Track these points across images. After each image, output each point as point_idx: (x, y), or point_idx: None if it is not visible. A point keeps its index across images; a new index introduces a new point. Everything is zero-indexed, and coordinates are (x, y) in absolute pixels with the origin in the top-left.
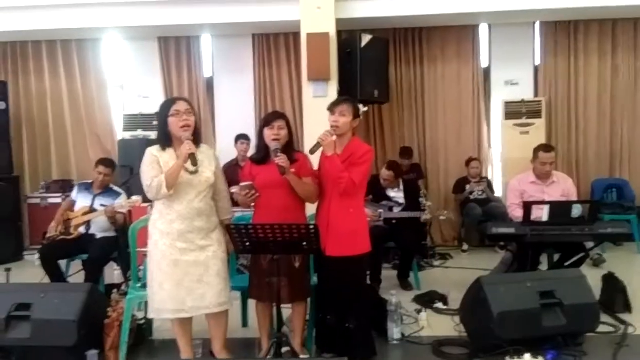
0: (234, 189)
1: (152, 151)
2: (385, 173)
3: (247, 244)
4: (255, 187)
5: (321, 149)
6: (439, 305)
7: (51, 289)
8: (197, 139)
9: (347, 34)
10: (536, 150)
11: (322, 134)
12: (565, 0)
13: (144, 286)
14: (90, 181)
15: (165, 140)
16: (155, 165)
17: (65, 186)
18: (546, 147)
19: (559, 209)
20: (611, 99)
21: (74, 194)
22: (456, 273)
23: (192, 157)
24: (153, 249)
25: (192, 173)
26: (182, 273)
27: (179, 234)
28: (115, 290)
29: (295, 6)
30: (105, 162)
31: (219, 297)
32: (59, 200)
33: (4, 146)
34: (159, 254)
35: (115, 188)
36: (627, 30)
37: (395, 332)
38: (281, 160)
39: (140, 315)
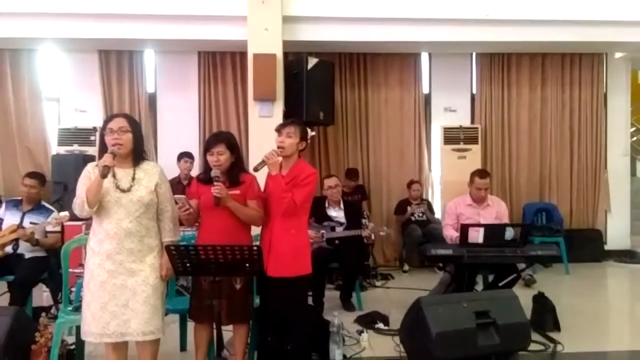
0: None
1: (89, 167)
2: (331, 181)
3: (188, 265)
4: (190, 203)
5: (266, 167)
6: (380, 325)
7: None
8: (136, 157)
9: (294, 55)
10: (472, 175)
11: (267, 153)
12: (498, 33)
13: (76, 309)
14: (19, 198)
15: (101, 157)
16: (87, 181)
17: None
18: (481, 173)
19: (494, 231)
20: (541, 128)
21: (1, 211)
22: (397, 293)
23: (105, 169)
24: (85, 267)
25: (122, 191)
26: (108, 296)
27: (107, 255)
28: (43, 314)
29: (243, 26)
30: (31, 174)
31: (144, 325)
32: None
33: None
34: (89, 273)
35: (47, 205)
36: (555, 64)
37: (336, 353)
38: (216, 190)
39: (70, 340)
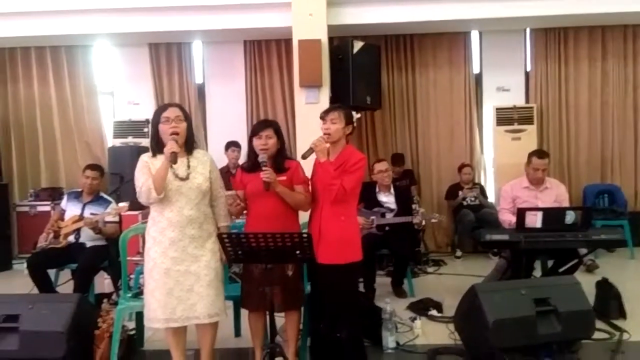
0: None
1: (144, 157)
2: (382, 165)
3: (239, 252)
4: (240, 197)
5: (314, 154)
6: (434, 312)
7: (39, 300)
8: (189, 145)
9: (339, 40)
10: (530, 155)
11: (315, 140)
12: (554, 7)
13: (135, 296)
14: (79, 189)
15: (156, 147)
16: (146, 170)
17: (54, 194)
18: (540, 153)
19: (553, 215)
20: (602, 105)
21: (64, 202)
22: (450, 279)
23: (173, 156)
24: (146, 256)
25: (182, 179)
26: (172, 282)
27: (171, 242)
28: (105, 300)
29: (287, 13)
30: (92, 166)
31: (209, 308)
32: (47, 209)
33: None
34: (151, 261)
35: (105, 196)
36: (617, 37)
37: (389, 340)
38: (265, 174)
39: (130, 325)
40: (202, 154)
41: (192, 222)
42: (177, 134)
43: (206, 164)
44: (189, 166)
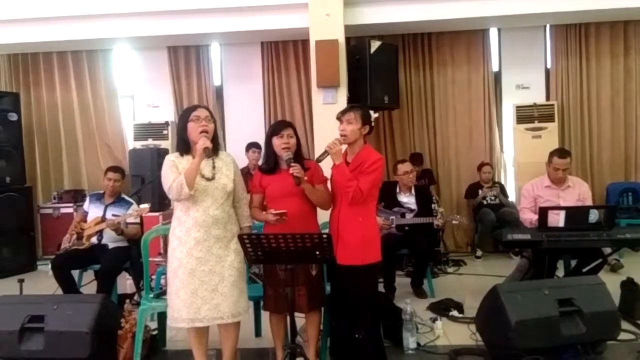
0: (269, 216)
1: (171, 157)
2: (406, 166)
3: (260, 253)
4: (285, 213)
5: (328, 157)
6: (455, 313)
7: (64, 300)
8: (215, 147)
9: (356, 40)
10: (551, 154)
11: (330, 142)
12: (575, 3)
13: (157, 296)
14: (102, 191)
15: (184, 146)
16: (174, 168)
17: (77, 196)
18: (561, 153)
19: (576, 214)
20: (624, 102)
21: (86, 204)
22: (470, 280)
23: (207, 150)
24: (171, 256)
25: (208, 180)
26: (197, 282)
27: (196, 242)
28: (127, 301)
29: (304, 14)
30: (113, 168)
31: (233, 307)
32: (70, 210)
33: (16, 157)
34: (176, 261)
35: (127, 198)
36: (639, 32)
37: (410, 341)
38: (296, 170)
39: (153, 325)
40: (225, 155)
41: (217, 222)
42: (206, 132)
43: (230, 165)
44: (214, 167)
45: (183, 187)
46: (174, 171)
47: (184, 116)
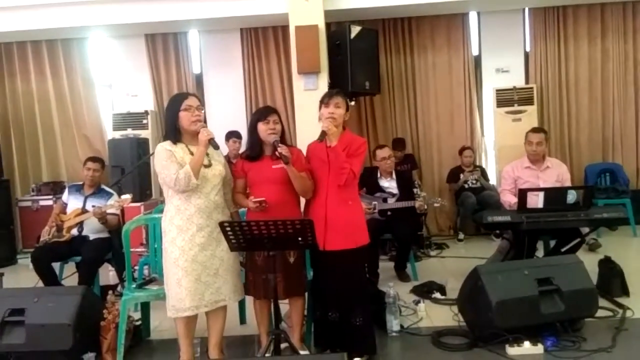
0: (250, 203)
1: (166, 146)
2: (384, 152)
3: (242, 240)
4: (265, 200)
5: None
6: (437, 295)
7: (45, 293)
8: None
9: (336, 25)
10: (527, 133)
11: (326, 123)
12: None
13: (140, 286)
14: (81, 182)
15: (175, 134)
16: (174, 158)
17: (55, 188)
18: (534, 129)
19: (554, 195)
20: (602, 83)
21: (65, 196)
22: (453, 262)
23: (213, 142)
24: (169, 246)
25: (206, 166)
26: (200, 267)
27: (199, 229)
28: (110, 292)
29: None
30: (93, 158)
31: (233, 287)
32: (50, 203)
33: None
34: (177, 250)
35: (107, 188)
36: (616, 14)
37: (394, 324)
38: (284, 149)
39: (136, 316)
40: None
41: (218, 207)
42: (200, 121)
43: (220, 155)
44: (207, 154)
45: (191, 177)
46: (174, 161)
47: (175, 104)
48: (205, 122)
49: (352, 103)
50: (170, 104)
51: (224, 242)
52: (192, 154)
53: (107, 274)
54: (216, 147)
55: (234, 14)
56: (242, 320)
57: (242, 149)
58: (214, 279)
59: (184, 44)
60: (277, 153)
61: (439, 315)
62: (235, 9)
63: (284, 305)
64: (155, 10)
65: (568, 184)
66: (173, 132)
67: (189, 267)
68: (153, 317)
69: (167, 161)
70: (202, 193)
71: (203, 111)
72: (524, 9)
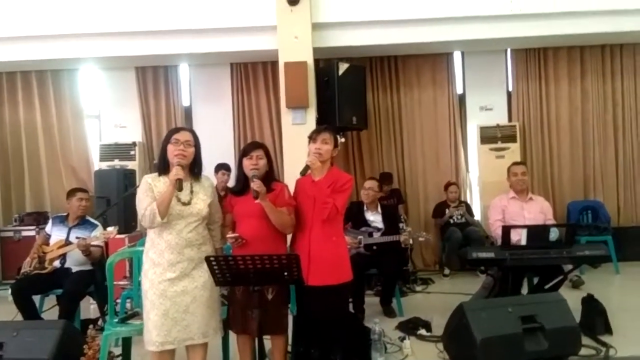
0: (227, 238)
1: (147, 179)
2: (369, 182)
3: (227, 275)
4: (241, 237)
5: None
6: (423, 331)
7: (24, 327)
8: (196, 170)
9: (324, 62)
10: (508, 168)
11: (310, 158)
12: (533, 29)
13: (122, 321)
14: (65, 214)
15: (163, 167)
16: (149, 193)
17: (39, 218)
18: (516, 162)
19: (537, 232)
20: (582, 122)
21: (48, 227)
22: (438, 298)
23: (179, 183)
24: (143, 277)
25: (184, 204)
26: (169, 303)
27: (169, 264)
28: (91, 326)
29: (273, 36)
30: (81, 189)
31: (204, 327)
32: (32, 233)
33: None
34: (148, 282)
35: (91, 220)
36: (595, 56)
37: None
38: (256, 184)
39: (117, 351)
40: (205, 179)
41: (191, 244)
42: (183, 156)
43: (208, 190)
44: (192, 191)
45: (155, 216)
46: (148, 196)
47: (166, 137)
48: (193, 158)
49: (342, 140)
50: (165, 136)
51: (198, 280)
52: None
53: (89, 308)
54: (180, 189)
55: (224, 49)
56: (226, 356)
57: (231, 181)
58: (183, 316)
59: (174, 77)
60: (252, 185)
61: (425, 353)
62: (225, 44)
63: (268, 342)
64: (146, 44)
65: (550, 217)
66: (161, 164)
67: (157, 300)
68: (134, 352)
69: (143, 195)
70: (174, 229)
71: (193, 147)
72: (506, 50)
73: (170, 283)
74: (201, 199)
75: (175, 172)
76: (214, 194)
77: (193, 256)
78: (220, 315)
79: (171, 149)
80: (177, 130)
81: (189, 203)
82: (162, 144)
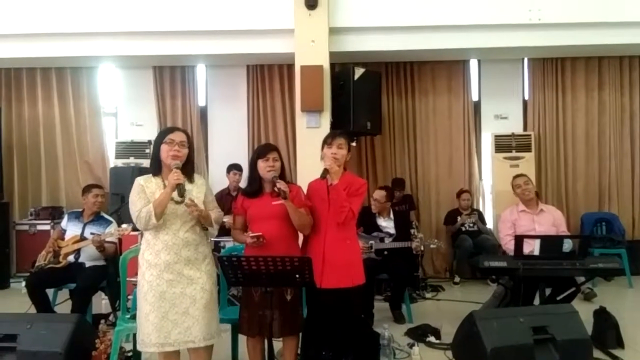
0: (247, 239)
1: (139, 181)
2: (378, 193)
3: (239, 275)
4: (262, 236)
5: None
6: (432, 339)
7: (38, 320)
8: (188, 171)
9: (340, 66)
10: (512, 181)
11: (329, 162)
12: (551, 38)
13: (133, 317)
14: (80, 210)
15: (155, 166)
16: (142, 194)
17: (54, 213)
18: (516, 175)
19: (550, 243)
20: (599, 134)
21: (64, 222)
22: (448, 305)
23: (179, 188)
24: (141, 279)
25: (177, 203)
26: (168, 305)
27: (166, 265)
28: (102, 321)
29: (290, 39)
30: (97, 185)
31: (205, 330)
32: (47, 227)
33: None
34: (146, 284)
35: (106, 216)
36: (613, 67)
37: None
38: (282, 185)
39: (128, 347)
40: (197, 178)
41: (188, 245)
42: (177, 157)
43: (201, 187)
44: (185, 190)
45: (151, 218)
46: (141, 197)
47: (160, 137)
48: (187, 158)
49: (354, 144)
50: (157, 136)
51: (198, 281)
52: None
53: (100, 303)
54: (181, 194)
55: (241, 51)
56: (235, 356)
57: (243, 181)
58: (183, 318)
59: (191, 77)
60: (275, 189)
61: None
62: (242, 46)
63: (277, 343)
64: (165, 44)
65: (564, 228)
66: (153, 164)
67: (156, 303)
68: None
69: (136, 196)
70: (170, 230)
71: (187, 148)
72: (523, 59)
73: (168, 285)
74: (195, 196)
75: (176, 176)
76: (208, 191)
77: (190, 257)
78: (218, 318)
79: (165, 149)
80: (171, 130)
81: (182, 202)
82: (155, 144)
